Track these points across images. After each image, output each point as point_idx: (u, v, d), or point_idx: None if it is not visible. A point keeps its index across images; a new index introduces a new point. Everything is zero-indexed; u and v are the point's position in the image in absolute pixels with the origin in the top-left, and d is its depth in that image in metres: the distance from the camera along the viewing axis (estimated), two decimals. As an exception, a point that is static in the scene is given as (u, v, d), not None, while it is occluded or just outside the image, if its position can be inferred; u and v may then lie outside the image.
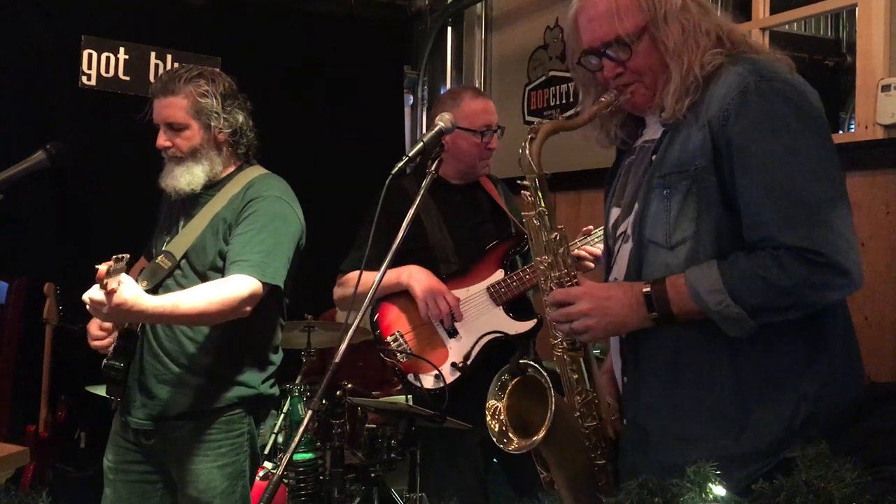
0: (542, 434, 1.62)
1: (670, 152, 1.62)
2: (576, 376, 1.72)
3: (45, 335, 4.02)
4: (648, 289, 1.59)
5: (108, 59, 4.59)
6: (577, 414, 1.72)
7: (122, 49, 4.61)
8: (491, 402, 1.76)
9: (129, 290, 2.02)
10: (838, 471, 1.20)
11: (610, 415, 1.75)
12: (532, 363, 1.74)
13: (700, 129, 1.58)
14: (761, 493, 1.21)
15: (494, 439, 1.73)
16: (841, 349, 1.60)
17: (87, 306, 2.04)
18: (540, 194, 1.70)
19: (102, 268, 1.95)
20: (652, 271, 1.62)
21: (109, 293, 1.98)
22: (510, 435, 1.72)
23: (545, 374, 1.69)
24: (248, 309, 2.28)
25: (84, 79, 4.53)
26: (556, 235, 1.70)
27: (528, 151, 1.68)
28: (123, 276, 2.00)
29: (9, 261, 4.25)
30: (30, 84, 4.38)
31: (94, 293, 2.01)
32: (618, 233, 1.76)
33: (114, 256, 1.94)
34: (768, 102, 1.53)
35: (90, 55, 4.55)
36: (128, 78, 4.63)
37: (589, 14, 1.68)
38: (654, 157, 1.67)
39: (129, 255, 1.97)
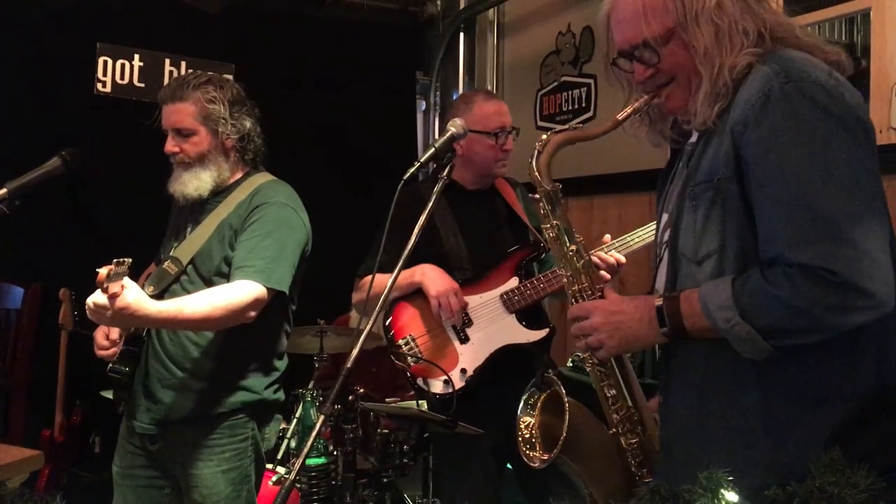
0: (557, 448, 1.60)
1: (703, 161, 1.54)
2: (613, 391, 1.67)
3: (60, 340, 4.04)
4: (661, 302, 1.53)
5: (123, 66, 4.61)
6: (614, 430, 1.67)
7: (136, 56, 4.64)
8: (524, 419, 1.75)
9: (133, 294, 2.02)
10: (852, 477, 1.19)
11: (656, 432, 1.67)
12: (556, 379, 1.72)
13: (726, 135, 1.48)
14: (774, 500, 1.20)
15: (522, 456, 1.72)
16: (882, 360, 1.47)
17: (89, 311, 2.02)
18: (551, 207, 1.68)
19: (103, 271, 1.93)
20: (683, 286, 1.55)
21: (112, 297, 1.97)
22: (537, 448, 1.71)
23: (562, 388, 1.66)
24: (253, 314, 2.28)
25: (99, 86, 4.55)
26: (575, 248, 1.68)
27: (534, 165, 1.65)
28: (127, 281, 1.99)
29: (24, 266, 4.28)
30: (46, 91, 4.40)
31: (97, 297, 2.00)
32: (663, 240, 1.67)
33: (115, 260, 1.92)
34: (792, 106, 1.41)
35: (105, 62, 4.57)
36: (142, 85, 4.65)
37: (617, 16, 1.60)
38: (689, 165, 1.60)
39: (130, 259, 1.96)
